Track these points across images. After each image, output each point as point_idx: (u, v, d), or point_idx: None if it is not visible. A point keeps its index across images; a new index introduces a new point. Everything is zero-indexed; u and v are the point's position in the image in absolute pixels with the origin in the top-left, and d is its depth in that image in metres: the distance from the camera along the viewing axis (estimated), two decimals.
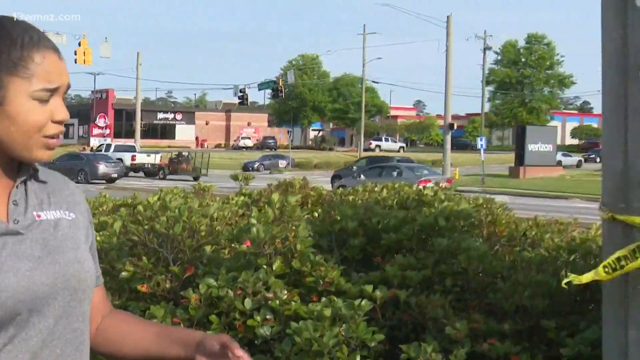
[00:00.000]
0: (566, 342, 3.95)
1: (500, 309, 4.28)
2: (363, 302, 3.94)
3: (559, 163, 64.78)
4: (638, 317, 2.92)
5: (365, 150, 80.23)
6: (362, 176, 36.03)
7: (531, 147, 51.36)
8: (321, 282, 4.29)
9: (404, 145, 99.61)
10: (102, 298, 1.98)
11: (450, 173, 47.19)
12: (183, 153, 54.54)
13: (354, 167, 44.07)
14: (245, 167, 55.95)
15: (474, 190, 33.99)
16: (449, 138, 48.78)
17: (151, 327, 1.98)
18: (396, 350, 3.99)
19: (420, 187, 6.38)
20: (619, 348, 3.01)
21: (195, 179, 47.21)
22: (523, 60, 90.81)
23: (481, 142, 49.50)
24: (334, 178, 40.91)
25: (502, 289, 4.29)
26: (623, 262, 2.85)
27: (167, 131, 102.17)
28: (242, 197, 6.34)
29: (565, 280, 3.02)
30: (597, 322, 3.76)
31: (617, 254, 2.86)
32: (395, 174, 35.33)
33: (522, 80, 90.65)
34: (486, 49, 79.92)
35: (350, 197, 6.33)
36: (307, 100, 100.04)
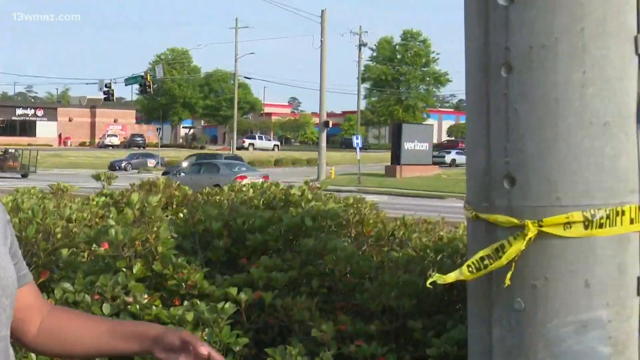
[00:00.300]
0: (432, 343, 3.95)
1: (367, 310, 4.25)
2: (227, 305, 3.86)
3: (454, 161, 64.52)
4: (502, 316, 2.90)
5: (238, 148, 79.69)
6: (181, 173, 36.36)
7: (407, 145, 50.84)
8: (184, 285, 4.18)
9: (278, 143, 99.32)
10: (36, 296, 1.87)
11: (326, 172, 47.35)
12: (10, 150, 53.63)
13: (184, 164, 43.80)
14: (112, 166, 54.51)
15: (350, 189, 34.30)
16: (324, 136, 48.83)
17: (101, 323, 1.88)
18: (262, 354, 3.92)
19: (284, 186, 6.37)
20: (484, 347, 2.99)
21: (24, 176, 47.88)
22: (399, 57, 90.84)
23: (357, 141, 49.68)
24: (164, 174, 40.96)
25: (369, 290, 4.25)
26: (487, 262, 2.83)
27: (27, 128, 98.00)
28: (103, 198, 6.14)
29: (429, 280, 2.97)
30: (464, 322, 3.76)
31: (481, 253, 2.84)
32: (214, 170, 35.84)
33: (398, 78, 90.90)
34: (361, 45, 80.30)
35: (216, 197, 6.21)
36: (177, 97, 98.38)
